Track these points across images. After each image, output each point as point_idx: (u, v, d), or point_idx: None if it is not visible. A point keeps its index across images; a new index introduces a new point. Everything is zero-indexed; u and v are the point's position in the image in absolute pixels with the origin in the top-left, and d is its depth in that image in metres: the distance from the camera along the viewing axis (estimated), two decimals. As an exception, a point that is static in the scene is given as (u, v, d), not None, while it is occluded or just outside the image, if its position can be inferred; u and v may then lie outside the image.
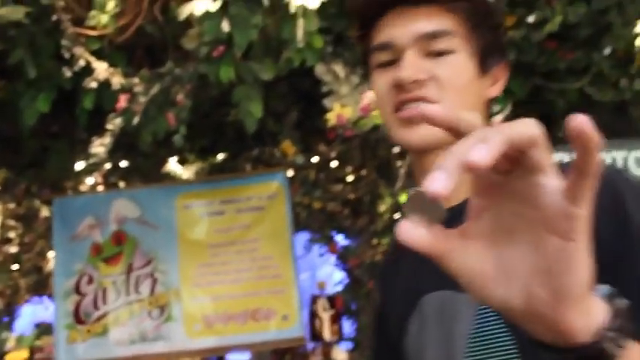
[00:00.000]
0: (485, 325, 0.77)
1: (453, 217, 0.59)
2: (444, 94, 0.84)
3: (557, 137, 4.25)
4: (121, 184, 4.90)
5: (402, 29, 0.86)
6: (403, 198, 3.84)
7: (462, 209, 0.60)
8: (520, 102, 3.63)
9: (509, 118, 3.32)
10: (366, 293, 4.02)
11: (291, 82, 3.41)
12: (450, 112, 0.53)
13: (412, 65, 0.83)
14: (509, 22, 3.29)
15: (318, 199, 4.14)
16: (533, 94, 3.78)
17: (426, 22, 0.85)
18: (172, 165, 4.94)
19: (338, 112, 2.81)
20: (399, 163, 3.92)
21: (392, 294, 0.97)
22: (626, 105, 3.98)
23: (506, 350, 0.75)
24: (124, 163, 4.66)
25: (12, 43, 2.63)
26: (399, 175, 3.72)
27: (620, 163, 3.44)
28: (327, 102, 2.97)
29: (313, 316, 7.00)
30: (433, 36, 0.84)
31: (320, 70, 2.96)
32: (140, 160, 4.63)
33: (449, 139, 0.76)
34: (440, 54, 0.85)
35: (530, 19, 3.20)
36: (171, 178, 4.77)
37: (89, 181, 4.79)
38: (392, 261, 1.02)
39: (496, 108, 3.22)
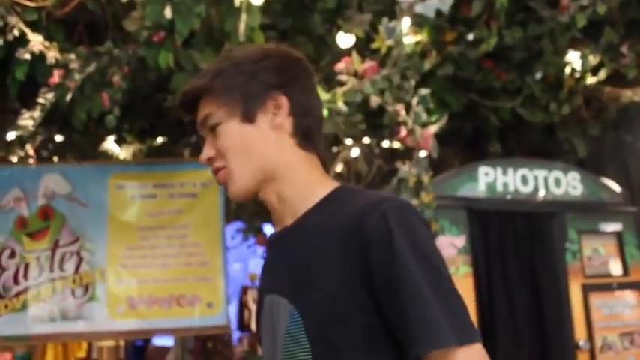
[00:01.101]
0: (293, 324, 1.00)
1: (279, 238, 1.08)
2: (227, 160, 1.06)
3: (488, 151, 4.43)
4: (55, 159, 4.79)
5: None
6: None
7: (285, 233, 1.06)
8: (455, 114, 3.76)
9: (444, 129, 3.43)
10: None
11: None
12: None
13: (206, 147, 1.09)
14: (449, 37, 3.41)
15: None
16: (469, 108, 3.91)
17: (200, 112, 1.09)
18: (109, 144, 4.87)
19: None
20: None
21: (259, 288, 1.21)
22: (554, 127, 4.17)
23: (304, 345, 0.99)
24: (59, 138, 4.57)
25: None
26: (333, 174, 3.78)
27: (540, 182, 3.61)
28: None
29: (242, 306, 7.02)
30: (204, 120, 1.08)
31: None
32: (76, 137, 4.54)
33: (252, 188, 1.09)
34: (213, 130, 1.07)
35: (470, 36, 3.32)
36: (107, 157, 4.70)
37: (20, 152, 4.66)
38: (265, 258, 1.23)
39: (431, 118, 3.33)
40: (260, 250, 4.45)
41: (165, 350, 7.50)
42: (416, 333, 0.91)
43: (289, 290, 1.02)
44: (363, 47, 3.29)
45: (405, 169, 3.20)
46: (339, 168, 4.08)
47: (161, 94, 3.42)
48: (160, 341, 7.91)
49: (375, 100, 3.09)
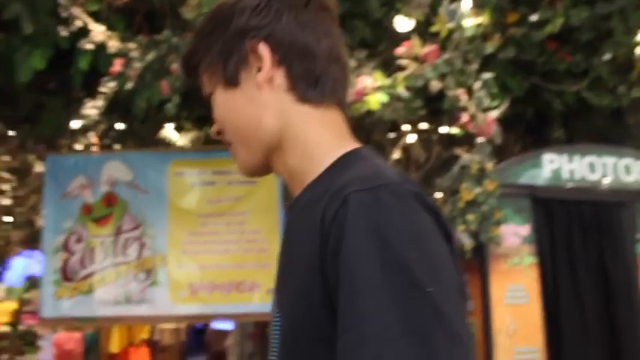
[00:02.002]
0: (275, 325, 0.81)
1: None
2: (228, 133, 0.88)
3: (550, 137, 4.27)
4: (116, 146, 4.91)
5: None
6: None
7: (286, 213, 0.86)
8: (517, 99, 3.63)
9: (505, 114, 3.32)
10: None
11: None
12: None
13: (215, 120, 0.91)
14: (511, 18, 3.28)
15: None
16: (531, 92, 3.77)
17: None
18: (168, 131, 4.95)
19: (331, 95, 2.81)
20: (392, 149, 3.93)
21: None
22: (622, 111, 3.98)
23: (275, 353, 0.80)
24: (119, 126, 4.67)
25: (11, -3, 2.62)
26: (391, 160, 3.72)
27: (609, 170, 3.44)
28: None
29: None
30: (205, 93, 0.91)
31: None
32: (136, 124, 4.64)
33: (257, 162, 0.87)
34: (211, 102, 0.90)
35: (533, 18, 3.18)
36: (166, 144, 4.77)
37: (84, 140, 4.79)
38: None
39: (493, 103, 3.22)
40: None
41: (224, 334, 7.66)
42: None
43: (277, 282, 0.84)
44: (423, 31, 3.20)
45: (466, 156, 3.12)
46: (396, 154, 4.01)
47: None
48: (219, 325, 8.08)
49: (435, 86, 3.01)
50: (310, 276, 0.70)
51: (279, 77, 0.83)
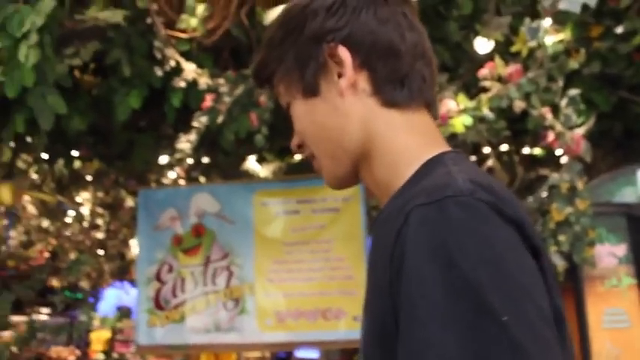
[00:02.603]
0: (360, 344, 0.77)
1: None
2: (310, 145, 0.83)
3: (642, 152, 4.10)
4: (202, 179, 5.09)
5: None
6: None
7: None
8: (604, 115, 3.52)
9: (591, 131, 3.23)
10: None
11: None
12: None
13: (294, 134, 0.86)
14: (595, 32, 3.20)
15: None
16: (618, 107, 3.65)
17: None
18: (251, 163, 5.09)
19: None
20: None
21: None
22: None
23: None
24: (205, 160, 4.84)
25: (110, 43, 2.81)
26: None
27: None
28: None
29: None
30: (282, 104, 0.86)
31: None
32: (220, 157, 4.80)
33: (344, 174, 0.81)
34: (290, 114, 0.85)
35: (618, 30, 3.10)
36: (249, 176, 4.90)
37: (171, 174, 5.00)
38: None
39: (579, 120, 3.14)
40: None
41: (308, 362, 7.65)
42: None
43: (364, 303, 0.77)
44: (503, 51, 3.18)
45: (555, 175, 3.04)
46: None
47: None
48: (302, 354, 8.09)
49: (519, 105, 2.97)
50: (381, 299, 0.65)
51: (363, 81, 0.77)
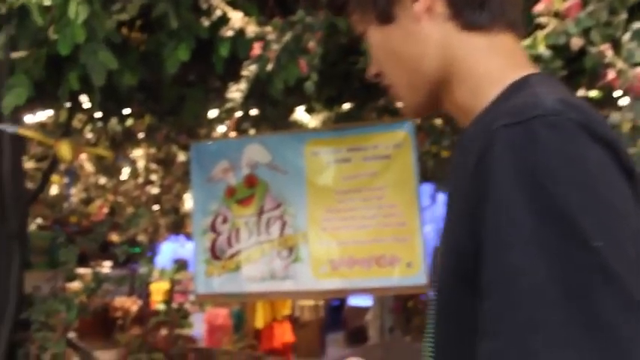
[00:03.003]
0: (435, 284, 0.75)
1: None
2: (387, 73, 0.82)
3: None
4: (251, 131, 5.11)
5: None
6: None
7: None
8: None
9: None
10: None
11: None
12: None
13: (371, 63, 0.86)
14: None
15: (445, 148, 4.09)
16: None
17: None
18: (299, 114, 5.07)
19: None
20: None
21: None
22: None
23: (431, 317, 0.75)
24: (254, 112, 4.86)
25: (156, -4, 2.80)
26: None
27: None
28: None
29: (434, 267, 7.02)
30: (357, 32, 0.85)
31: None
32: (269, 109, 4.80)
33: (422, 100, 0.80)
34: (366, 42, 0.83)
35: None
36: (298, 127, 4.90)
37: (221, 128, 5.04)
38: None
39: (643, 54, 2.98)
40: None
41: (361, 310, 7.78)
42: (481, 331, 0.56)
43: (442, 229, 0.76)
44: (560, -15, 3.03)
45: (616, 114, 2.92)
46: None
47: (350, 58, 3.46)
48: (355, 301, 8.22)
49: (576, 43, 2.84)
50: (461, 223, 0.63)
51: (439, 5, 0.75)
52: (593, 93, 4.02)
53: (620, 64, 2.87)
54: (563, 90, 0.67)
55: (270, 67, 2.54)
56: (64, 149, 3.36)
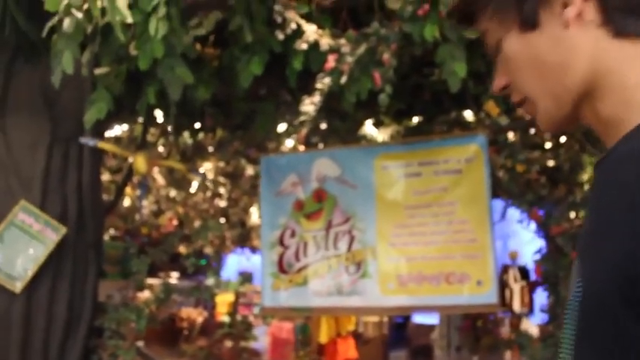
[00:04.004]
0: (574, 295, 0.71)
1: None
2: (521, 87, 0.78)
3: None
4: (320, 145, 5.12)
5: None
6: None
7: (596, 166, 0.74)
8: None
9: None
10: (567, 264, 3.80)
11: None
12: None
13: (497, 74, 0.82)
14: None
15: (520, 162, 3.97)
16: None
17: (480, 29, 0.83)
18: (368, 128, 5.05)
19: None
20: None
21: None
22: None
23: (571, 328, 0.70)
24: (323, 125, 4.87)
25: (231, 11, 2.85)
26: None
27: None
28: None
29: (503, 286, 6.82)
30: (486, 40, 0.81)
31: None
32: (337, 123, 4.80)
33: (565, 114, 0.74)
34: (497, 51, 0.79)
35: None
36: (367, 141, 4.87)
37: (289, 142, 5.07)
38: None
39: None
40: (531, 225, 4.22)
41: (426, 328, 7.63)
42: None
43: (580, 246, 0.74)
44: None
45: None
46: None
47: (422, 71, 3.42)
48: (420, 319, 8.07)
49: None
50: (614, 241, 0.61)
51: (590, 11, 0.71)
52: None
53: None
54: None
55: (344, 79, 2.53)
56: (140, 162, 3.45)
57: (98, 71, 2.98)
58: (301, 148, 4.90)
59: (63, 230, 3.41)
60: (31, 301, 3.42)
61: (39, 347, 3.43)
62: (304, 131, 4.21)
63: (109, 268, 4.49)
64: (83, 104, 3.20)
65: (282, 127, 5.00)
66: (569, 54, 0.72)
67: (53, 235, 3.38)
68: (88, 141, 3.36)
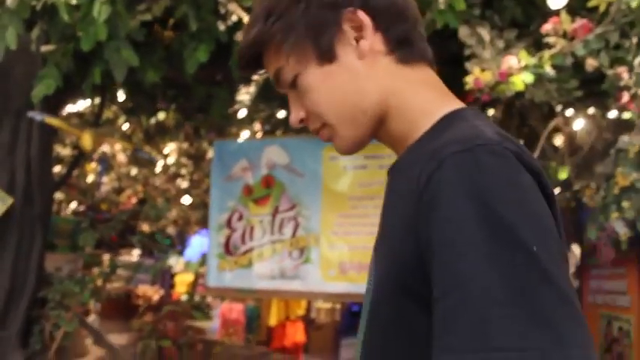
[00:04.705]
0: (368, 291, 0.82)
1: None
2: (322, 115, 0.83)
3: None
4: (278, 132, 5.22)
5: None
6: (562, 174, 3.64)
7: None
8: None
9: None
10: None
11: (436, 43, 3.39)
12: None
13: (293, 107, 0.86)
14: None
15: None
16: None
17: (269, 70, 0.86)
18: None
19: (476, 76, 2.77)
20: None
21: None
22: None
23: (363, 320, 0.82)
24: (280, 114, 4.96)
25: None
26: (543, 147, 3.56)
27: None
28: (468, 65, 2.94)
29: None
30: (278, 78, 0.84)
31: (463, 32, 2.93)
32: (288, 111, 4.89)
33: (362, 135, 0.83)
34: (294, 85, 0.83)
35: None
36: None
37: (249, 127, 5.16)
38: None
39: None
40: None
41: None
42: (438, 332, 0.63)
43: (376, 244, 0.82)
44: (578, 7, 3.03)
45: (625, 138, 2.91)
46: (558, 141, 3.82)
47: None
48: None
49: (590, 64, 2.85)
50: (404, 237, 0.69)
51: (378, 43, 0.80)
52: (628, 115, 3.96)
53: (634, 88, 2.87)
54: (492, 124, 0.76)
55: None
56: (86, 139, 3.53)
57: (45, 48, 3.05)
58: (259, 134, 5.01)
59: (9, 201, 3.48)
60: (-26, 270, 3.50)
61: (-20, 315, 3.51)
62: (260, 119, 4.32)
63: (60, 242, 4.57)
64: (34, 80, 3.26)
65: (243, 113, 5.09)
66: (364, 81, 0.81)
67: (-1, 205, 3.45)
68: (35, 115, 3.43)
